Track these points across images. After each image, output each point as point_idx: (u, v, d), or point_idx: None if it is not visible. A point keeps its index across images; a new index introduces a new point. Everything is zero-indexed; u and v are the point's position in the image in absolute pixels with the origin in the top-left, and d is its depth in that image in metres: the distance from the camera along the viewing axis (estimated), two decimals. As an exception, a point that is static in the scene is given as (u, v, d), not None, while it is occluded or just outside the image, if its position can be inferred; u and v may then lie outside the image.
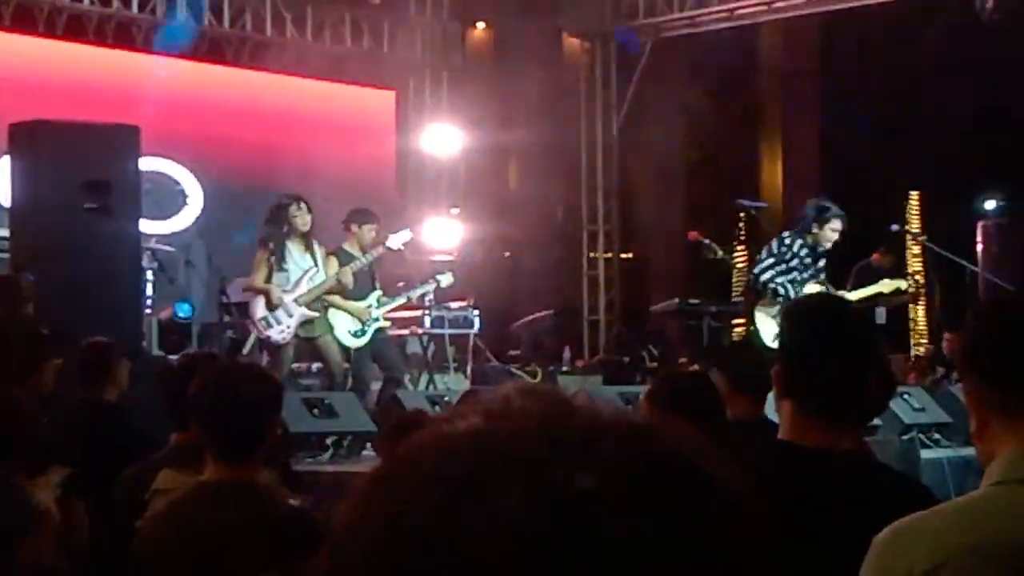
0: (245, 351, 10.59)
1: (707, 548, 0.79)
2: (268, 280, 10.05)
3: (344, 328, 10.35)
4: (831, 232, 9.87)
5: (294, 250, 10.10)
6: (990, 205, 20.50)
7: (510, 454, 0.80)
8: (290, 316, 10.01)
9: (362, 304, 10.37)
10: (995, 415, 2.09)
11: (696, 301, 12.04)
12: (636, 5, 16.54)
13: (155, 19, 14.38)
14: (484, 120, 17.43)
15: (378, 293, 10.52)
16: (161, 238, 12.10)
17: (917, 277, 12.76)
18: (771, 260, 9.83)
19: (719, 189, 18.17)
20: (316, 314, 10.09)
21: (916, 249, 21.86)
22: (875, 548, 2.05)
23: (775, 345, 9.64)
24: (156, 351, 10.71)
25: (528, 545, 0.77)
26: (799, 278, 9.78)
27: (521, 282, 17.96)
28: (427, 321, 12.20)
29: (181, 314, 11.35)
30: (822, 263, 10.01)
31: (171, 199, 13.02)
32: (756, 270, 9.92)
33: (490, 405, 0.85)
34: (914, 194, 22.35)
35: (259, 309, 10.06)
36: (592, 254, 17.31)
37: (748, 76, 19.50)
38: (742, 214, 12.64)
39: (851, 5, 15.19)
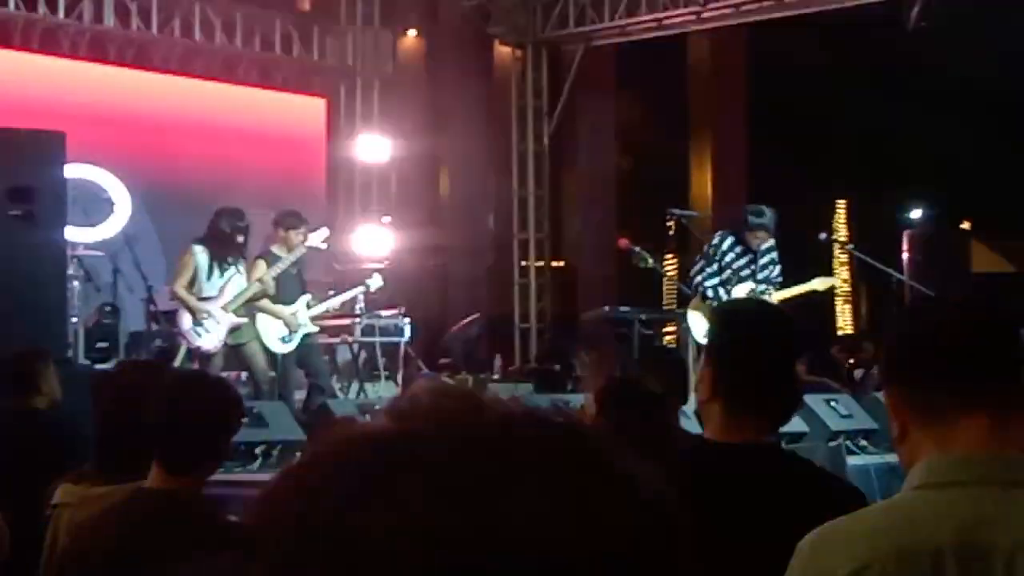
0: (177, 362, 10.47)
1: (619, 547, 0.79)
2: (191, 285, 9.93)
3: (273, 334, 10.27)
4: (754, 240, 9.99)
5: (220, 259, 9.98)
6: (916, 214, 20.78)
7: (417, 453, 0.80)
8: (219, 324, 9.91)
9: (290, 308, 10.29)
10: (915, 420, 2.11)
11: (626, 309, 12.09)
12: (566, 14, 16.60)
13: (81, 24, 14.24)
14: (415, 128, 17.42)
15: (307, 298, 10.43)
16: (88, 246, 11.96)
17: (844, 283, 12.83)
18: (702, 262, 9.97)
19: (649, 198, 18.27)
20: (244, 320, 10.00)
21: (843, 257, 22.16)
22: (800, 551, 2.07)
23: (704, 342, 9.75)
24: (82, 360, 10.59)
25: (434, 543, 0.77)
26: (732, 278, 9.88)
27: (452, 290, 17.96)
28: (358, 329, 12.16)
29: (108, 311, 11.24)
30: (765, 260, 10.08)
31: (98, 206, 12.87)
32: (691, 272, 10.05)
33: (399, 405, 0.85)
34: (841, 203, 22.67)
35: (186, 320, 9.96)
36: (523, 262, 17.33)
37: (678, 84, 19.63)
38: (672, 223, 12.73)
39: (779, 16, 15.33)
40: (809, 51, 18.37)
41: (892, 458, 7.88)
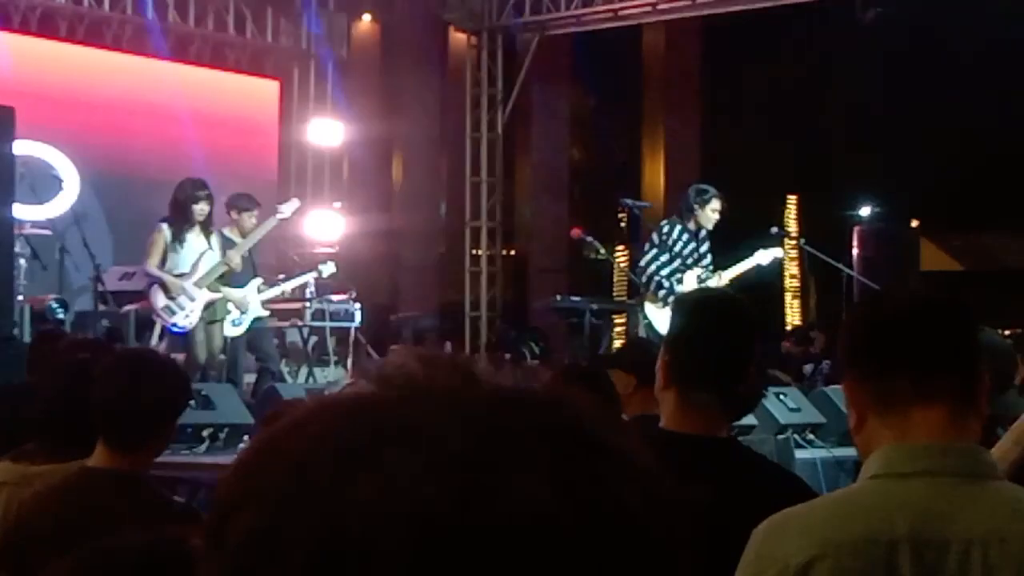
0: (153, 342, 10.37)
1: (612, 521, 0.77)
2: (163, 264, 9.82)
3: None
4: (711, 212, 10.04)
5: (191, 235, 9.88)
6: (865, 211, 20.93)
7: (409, 423, 0.78)
8: (192, 300, 9.79)
9: (241, 291, 10.24)
10: (872, 410, 2.12)
11: (577, 298, 12.10)
12: (522, 2, 16.57)
13: (33, 0, 14.07)
14: (369, 113, 17.34)
15: (258, 281, 10.39)
16: (35, 223, 11.83)
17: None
18: (655, 251, 9.95)
19: (601, 188, 18.32)
20: (219, 295, 9.90)
21: (793, 252, 22.28)
22: (754, 539, 2.07)
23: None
24: (28, 339, 10.46)
25: (423, 517, 0.74)
26: (681, 266, 9.91)
27: (403, 277, 17.91)
28: (308, 314, 12.11)
29: (59, 314, 11.11)
30: (705, 247, 10.14)
31: (46, 184, 12.71)
32: (642, 263, 10.02)
33: (386, 372, 0.82)
34: (792, 198, 22.79)
35: (159, 298, 9.83)
36: (475, 250, 17.31)
37: (632, 76, 19.66)
38: (624, 213, 12.75)
39: (734, 9, 15.38)
40: (763, 45, 18.45)
41: (839, 452, 7.97)
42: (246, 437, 7.89)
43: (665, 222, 10.13)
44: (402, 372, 0.82)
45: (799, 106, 19.39)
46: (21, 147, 10.16)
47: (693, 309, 3.12)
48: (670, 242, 9.93)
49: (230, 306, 10.17)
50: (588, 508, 0.77)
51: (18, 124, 9.40)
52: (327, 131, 16.69)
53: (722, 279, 10.02)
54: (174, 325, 9.85)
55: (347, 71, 17.29)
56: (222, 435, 8.04)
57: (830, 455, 8.12)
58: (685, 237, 9.98)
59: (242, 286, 10.25)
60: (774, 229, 12.44)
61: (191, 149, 14.58)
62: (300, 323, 12.11)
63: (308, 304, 12.09)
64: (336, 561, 0.74)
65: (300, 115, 16.68)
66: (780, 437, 8.35)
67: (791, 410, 8.65)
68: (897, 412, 2.08)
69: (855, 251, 13.93)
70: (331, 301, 12.25)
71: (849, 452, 7.23)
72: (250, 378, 10.50)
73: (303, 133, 16.70)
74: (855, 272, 11.74)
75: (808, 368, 14.43)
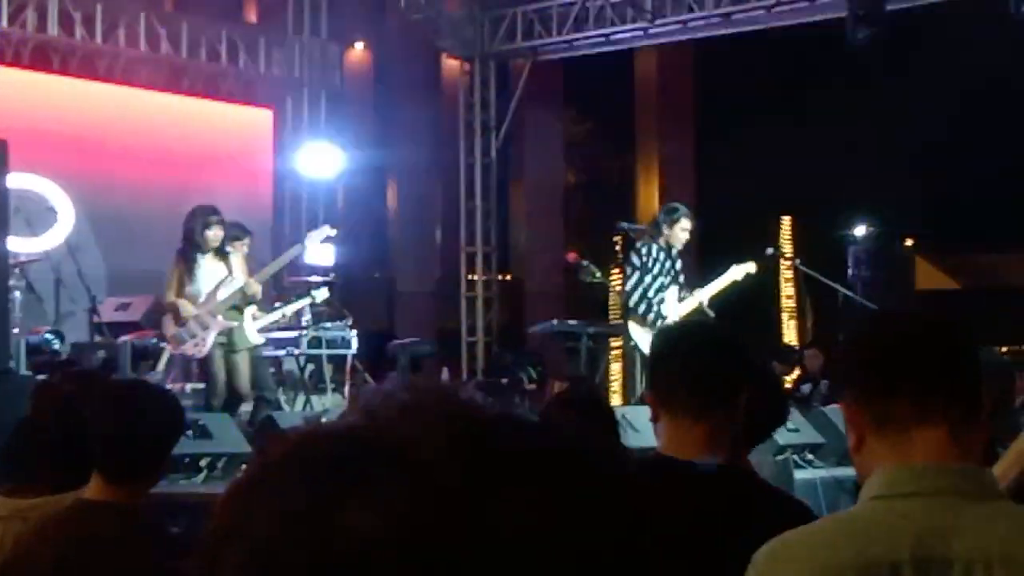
0: (160, 368, 10.34)
1: (593, 545, 0.78)
2: (180, 294, 9.72)
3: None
4: (681, 232, 10.13)
5: (206, 262, 9.78)
6: (860, 230, 20.96)
7: (396, 450, 0.78)
8: (205, 328, 9.68)
9: (235, 321, 10.21)
10: (871, 430, 2.11)
11: (574, 322, 12.09)
12: (514, 28, 16.62)
13: (25, 32, 14.10)
14: (363, 140, 17.37)
15: (253, 309, 10.37)
16: (30, 256, 11.83)
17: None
18: (638, 274, 10.03)
19: (596, 211, 18.34)
20: (236, 323, 9.79)
21: (788, 273, 22.30)
22: (755, 563, 2.06)
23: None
24: (24, 371, 10.44)
25: (418, 544, 0.75)
26: (663, 284, 10.01)
27: (399, 303, 17.90)
28: (304, 341, 12.09)
29: (54, 345, 11.11)
30: (679, 265, 10.25)
31: (41, 216, 12.72)
32: (628, 287, 10.09)
33: (375, 401, 0.83)
34: (786, 218, 22.83)
35: (169, 326, 9.76)
36: (471, 275, 17.32)
37: (625, 99, 19.71)
38: (619, 237, 12.76)
39: (726, 32, 15.43)
40: (756, 67, 18.50)
41: (839, 472, 7.96)
42: (243, 466, 7.87)
43: (641, 244, 10.20)
44: (390, 400, 0.82)
45: (792, 126, 19.43)
46: (15, 180, 10.17)
47: (670, 339, 3.17)
48: (650, 263, 10.02)
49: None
50: (583, 535, 0.77)
51: (12, 157, 9.41)
52: (321, 159, 16.70)
53: (701, 297, 10.11)
54: (182, 353, 9.77)
55: (340, 99, 17.32)
56: (220, 464, 8.01)
57: (829, 475, 8.11)
58: (661, 256, 10.06)
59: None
60: (769, 249, 12.47)
61: (185, 179, 14.62)
62: (296, 351, 12.09)
63: (304, 332, 12.06)
64: None
65: (294, 144, 16.70)
66: (779, 458, 8.32)
67: (789, 430, 8.63)
68: (897, 432, 2.07)
69: (850, 270, 13.93)
70: (327, 328, 12.23)
71: (849, 472, 7.21)
72: (247, 406, 10.47)
73: (297, 162, 16.71)
74: (851, 292, 11.74)
75: (806, 388, 14.42)
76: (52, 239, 12.95)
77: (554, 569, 0.76)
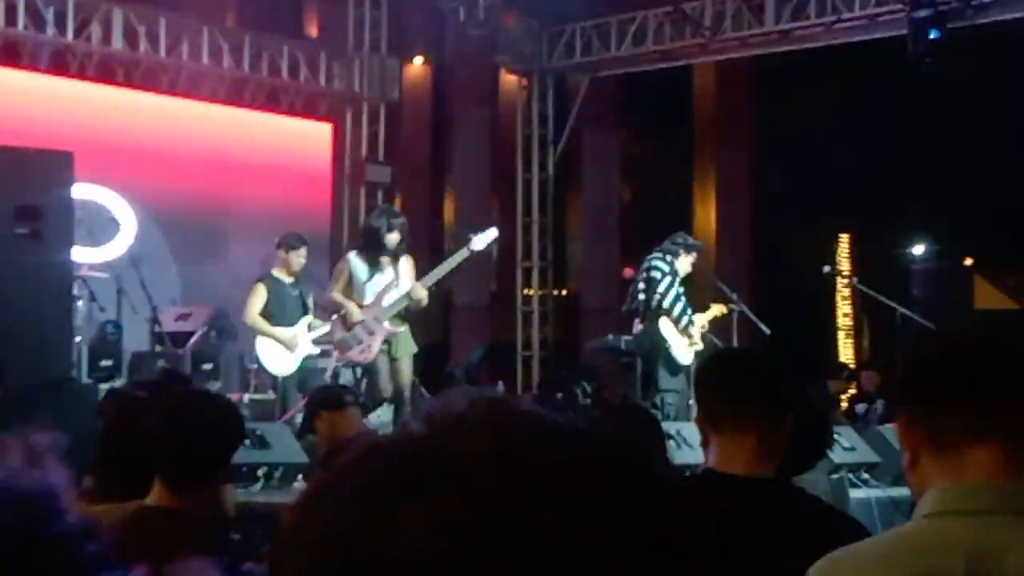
0: (327, 375, 10.38)
1: (642, 556, 0.80)
2: (348, 293, 9.63)
3: (270, 356, 10.24)
4: (688, 264, 10.41)
5: (378, 263, 9.68)
6: (919, 250, 20.79)
7: (449, 460, 0.81)
8: (371, 334, 9.57)
9: (290, 331, 10.24)
10: (926, 448, 2.12)
11: (628, 338, 12.08)
12: (573, 44, 16.66)
13: (90, 46, 14.30)
14: (421, 155, 17.46)
15: (308, 319, 10.40)
16: (93, 266, 11.98)
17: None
18: (669, 278, 10.16)
19: (652, 227, 18.28)
20: (401, 330, 9.67)
21: (846, 291, 22.15)
22: (810, 577, 2.07)
23: (686, 361, 10.00)
24: (86, 379, 10.59)
25: (461, 548, 0.77)
26: (686, 292, 10.19)
27: (455, 317, 17.96)
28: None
29: (111, 330, 11.22)
30: (684, 287, 10.45)
31: (104, 227, 12.90)
32: (660, 289, 10.16)
33: (432, 412, 0.86)
34: (844, 236, 22.69)
35: (337, 331, 9.65)
36: (526, 290, 17.34)
37: (682, 116, 19.68)
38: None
39: (785, 49, 15.39)
40: (814, 84, 18.42)
41: (894, 492, 7.91)
42: (300, 476, 7.93)
43: (664, 255, 10.32)
44: (445, 411, 0.85)
45: (851, 143, 19.33)
46: (79, 191, 10.32)
47: (715, 361, 3.31)
48: (672, 272, 10.14)
49: (272, 347, 10.16)
50: (634, 548, 0.79)
51: (76, 168, 9.56)
52: (380, 173, 16.80)
53: (704, 319, 10.32)
54: (348, 360, 9.66)
55: (399, 113, 17.43)
56: (276, 474, 8.08)
57: (885, 495, 8.06)
58: (675, 272, 10.24)
59: (292, 325, 10.28)
60: (826, 268, 12.44)
61: (246, 192, 14.78)
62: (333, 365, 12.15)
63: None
64: None
65: (353, 157, 16.81)
66: (834, 477, 8.30)
67: (845, 449, 8.59)
68: (951, 451, 2.08)
69: (910, 290, 13.83)
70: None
71: (904, 492, 7.17)
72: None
73: (356, 175, 16.82)
74: (908, 311, 11.65)
75: (861, 407, 14.33)
76: (114, 250, 13.12)
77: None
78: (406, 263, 9.77)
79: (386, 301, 9.58)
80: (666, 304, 10.13)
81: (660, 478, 0.85)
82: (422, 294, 9.65)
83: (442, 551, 0.77)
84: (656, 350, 10.22)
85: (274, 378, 10.21)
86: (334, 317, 9.65)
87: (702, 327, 10.36)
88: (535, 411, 0.86)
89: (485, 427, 0.83)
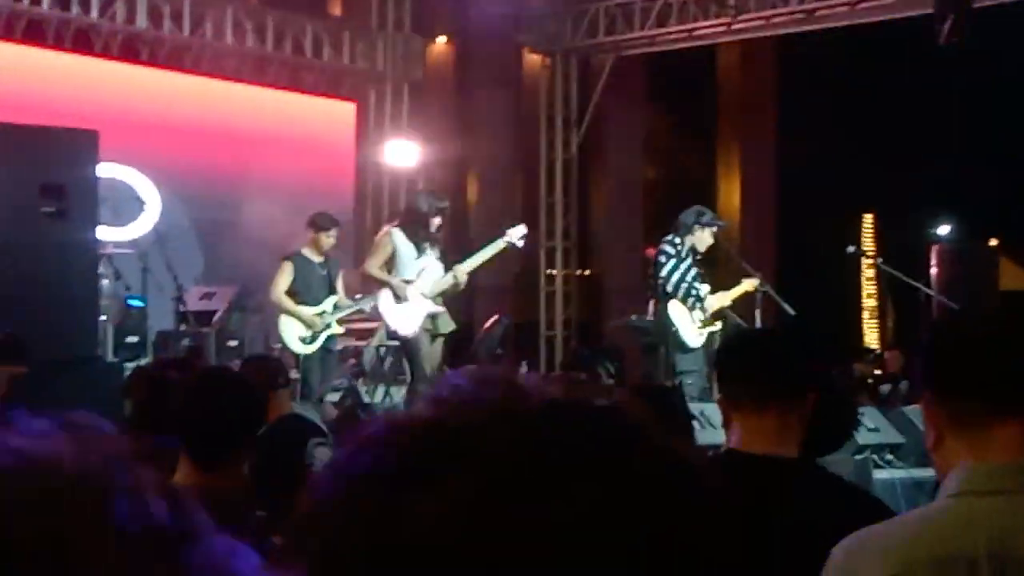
0: (374, 344, 10.31)
1: (662, 531, 0.79)
2: (388, 268, 9.67)
3: (294, 334, 10.29)
4: (709, 236, 10.25)
5: (420, 243, 9.72)
6: (943, 230, 20.70)
7: (460, 440, 0.80)
8: (416, 309, 9.64)
9: (315, 310, 10.28)
10: (950, 428, 2.12)
11: (651, 318, 12.06)
12: (596, 23, 16.62)
13: (114, 25, 14.33)
14: (444, 134, 17.45)
15: (335, 298, 10.42)
16: (118, 244, 12.03)
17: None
18: (674, 261, 10.11)
19: (676, 207, 18.22)
20: (442, 309, 9.75)
21: (870, 272, 22.09)
22: (835, 557, 2.08)
23: (695, 344, 9.96)
24: (111, 357, 10.65)
25: (473, 530, 0.77)
26: (697, 274, 10.08)
27: (478, 297, 17.96)
28: (384, 333, 12.17)
29: (132, 304, 11.25)
30: (698, 269, 10.34)
31: (128, 206, 12.95)
32: (663, 273, 10.12)
33: (441, 393, 0.85)
34: (868, 216, 22.61)
35: (386, 301, 9.70)
36: (550, 270, 17.35)
37: (706, 96, 19.62)
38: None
39: (809, 29, 15.32)
40: (839, 63, 18.34)
41: (918, 473, 7.89)
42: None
43: (673, 236, 10.25)
44: (455, 392, 0.85)
45: (875, 123, 19.25)
46: (104, 170, 10.35)
47: (737, 340, 3.38)
48: (683, 253, 10.08)
49: (295, 325, 10.22)
50: (650, 525, 0.79)
51: (101, 147, 9.59)
52: (403, 152, 16.81)
53: (725, 299, 10.26)
54: (396, 332, 9.72)
55: (422, 92, 17.42)
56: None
57: (908, 476, 8.05)
58: (691, 253, 10.10)
59: (318, 304, 10.31)
60: (850, 248, 12.39)
61: (269, 170, 14.80)
62: (376, 342, 12.19)
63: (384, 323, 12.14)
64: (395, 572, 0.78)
65: (376, 136, 16.82)
66: (858, 457, 8.28)
67: (869, 430, 8.58)
68: (975, 431, 2.08)
69: (933, 270, 13.77)
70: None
71: (928, 473, 7.16)
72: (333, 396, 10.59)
73: (379, 154, 16.83)
74: (933, 291, 11.61)
75: (885, 388, 14.30)
76: (139, 228, 13.17)
77: (613, 559, 0.77)
78: (439, 248, 9.85)
79: (431, 280, 9.63)
80: (670, 288, 10.11)
81: (683, 456, 0.84)
82: (464, 278, 9.74)
83: (458, 537, 0.77)
84: (664, 334, 10.22)
85: (296, 356, 10.24)
86: (384, 289, 9.67)
87: (726, 305, 10.30)
88: (550, 390, 0.85)
89: (498, 407, 0.83)
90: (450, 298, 9.96)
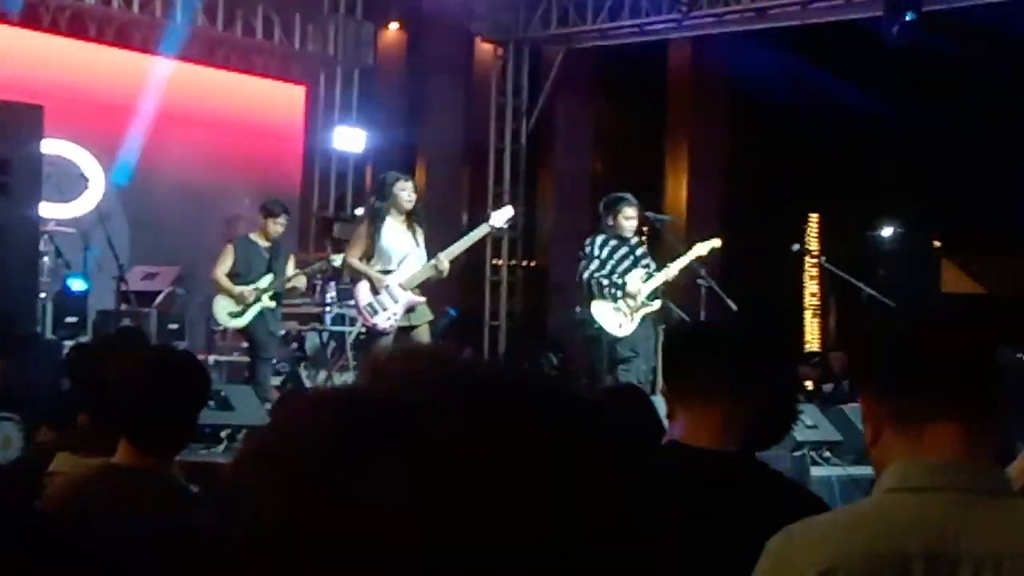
0: (350, 341, 10.15)
1: (584, 498, 0.79)
2: (367, 259, 9.36)
3: (224, 310, 10.32)
4: (625, 220, 10.24)
5: (395, 229, 9.42)
6: (887, 230, 20.88)
7: (392, 416, 0.79)
8: (396, 302, 9.33)
9: (246, 288, 10.29)
10: (887, 424, 2.13)
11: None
12: (549, 15, 16.62)
13: (62, 0, 14.16)
14: (393, 120, 17.39)
15: (270, 278, 10.43)
16: (60, 222, 11.91)
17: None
18: (584, 262, 10.23)
19: (624, 201, 18.22)
20: (422, 300, 9.46)
21: (814, 271, 22.24)
22: (769, 550, 2.09)
23: (621, 333, 9.99)
24: (50, 335, 10.54)
25: (414, 507, 0.76)
26: (619, 269, 10.10)
27: (423, 284, 17.92)
28: (327, 318, 12.14)
29: (74, 289, 11.14)
30: (641, 251, 10.38)
31: (72, 183, 12.81)
32: (580, 277, 10.22)
33: (378, 365, 0.85)
34: (813, 216, 22.77)
35: (363, 295, 9.36)
36: (496, 260, 17.34)
37: (657, 90, 19.67)
38: (646, 227, 12.75)
39: (760, 27, 15.40)
40: (789, 63, 18.44)
41: (855, 470, 7.96)
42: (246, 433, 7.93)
43: (589, 238, 10.33)
44: (393, 364, 0.84)
45: (823, 123, 19.38)
46: (48, 146, 10.24)
47: (683, 334, 3.42)
48: (595, 252, 10.15)
49: (224, 302, 10.21)
50: (595, 507, 0.79)
51: (46, 123, 9.48)
52: (352, 138, 16.74)
53: (667, 274, 10.21)
54: (375, 326, 9.37)
55: (373, 78, 17.35)
56: (240, 436, 8.08)
57: (846, 473, 8.11)
58: (612, 244, 10.21)
59: (253, 281, 10.32)
60: (795, 246, 12.45)
61: (217, 151, 14.68)
62: (319, 327, 12.14)
63: (328, 309, 12.11)
64: (320, 551, 0.77)
65: (325, 121, 16.74)
66: (796, 454, 8.34)
67: (808, 427, 8.64)
68: (913, 428, 2.09)
69: (878, 270, 13.90)
70: (351, 306, 12.29)
71: (865, 471, 7.21)
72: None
73: (328, 139, 16.76)
74: (876, 291, 11.71)
75: (828, 387, 14.42)
76: (83, 206, 13.03)
77: (553, 533, 0.77)
78: (422, 235, 9.58)
79: (410, 269, 9.39)
80: (585, 288, 10.18)
81: (630, 444, 0.84)
82: (446, 266, 9.47)
83: (394, 511, 0.76)
84: (585, 335, 10.30)
85: (248, 336, 10.29)
86: (361, 281, 9.40)
87: (672, 276, 10.27)
88: (485, 364, 0.86)
89: (436, 381, 0.82)
90: (433, 285, 9.77)
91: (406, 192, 9.41)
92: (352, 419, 0.80)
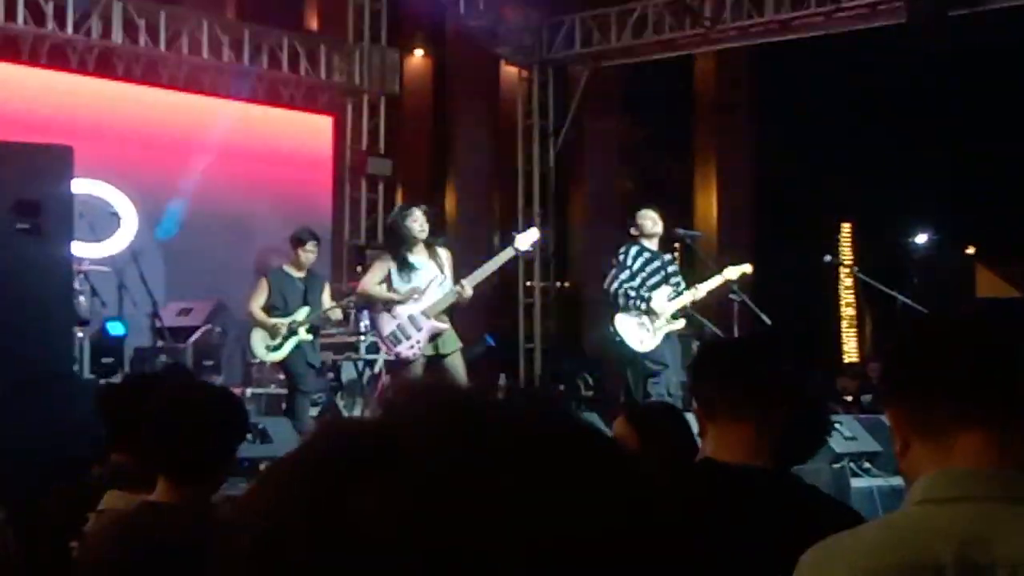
0: (376, 370, 10.14)
1: (604, 539, 0.80)
2: (387, 288, 9.32)
3: (261, 343, 10.35)
4: (645, 221, 10.33)
5: (417, 258, 9.41)
6: (921, 239, 20.78)
7: (394, 439, 0.82)
8: (419, 330, 9.28)
9: (282, 320, 10.33)
10: (916, 436, 2.12)
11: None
12: (573, 35, 16.65)
13: (90, 40, 14.30)
14: (422, 146, 17.45)
15: (306, 310, 10.46)
16: (94, 261, 11.99)
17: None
18: (614, 271, 10.23)
19: (654, 219, 18.21)
20: (446, 326, 9.40)
21: (848, 281, 22.15)
22: (801, 565, 2.08)
23: (642, 349, 9.95)
24: (87, 375, 10.60)
25: (405, 529, 0.78)
26: (648, 283, 10.08)
27: (457, 309, 17.95)
28: (362, 347, 12.16)
29: (113, 332, 11.20)
30: (672, 268, 10.39)
31: (105, 222, 12.89)
32: (605, 285, 10.20)
33: (390, 397, 0.88)
34: (846, 226, 22.68)
35: (387, 324, 9.31)
36: (528, 283, 17.34)
37: (684, 106, 19.67)
38: (677, 243, 12.75)
39: (785, 39, 15.38)
40: (815, 73, 18.41)
41: (896, 481, 7.90)
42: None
43: (623, 246, 10.31)
44: (403, 394, 0.87)
45: (852, 132, 19.32)
46: (79, 186, 10.31)
47: (712, 349, 3.36)
48: (628, 262, 10.16)
49: (260, 335, 10.23)
50: (581, 526, 0.79)
51: (76, 163, 9.54)
52: (380, 165, 16.80)
53: (694, 295, 10.14)
54: (399, 355, 9.34)
55: (400, 105, 17.42)
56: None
57: (887, 484, 8.06)
58: (646, 256, 10.19)
59: (289, 314, 10.36)
60: (827, 258, 12.40)
61: (247, 185, 14.78)
62: (355, 356, 12.17)
63: (363, 337, 12.14)
64: (314, 555, 0.80)
65: (354, 150, 16.81)
66: (835, 466, 8.30)
67: (847, 439, 8.59)
68: (940, 438, 2.08)
69: (912, 279, 13.82)
70: (383, 335, 12.31)
71: (905, 481, 7.16)
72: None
73: (357, 168, 16.82)
74: (910, 300, 11.65)
75: (867, 398, 14.34)
76: (116, 244, 13.12)
77: (547, 554, 0.78)
78: (446, 257, 9.53)
79: (432, 297, 9.33)
80: (610, 300, 10.16)
81: (624, 458, 0.84)
82: (469, 292, 9.41)
83: (385, 533, 0.78)
84: (613, 351, 10.28)
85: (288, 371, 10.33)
86: (382, 312, 9.35)
87: (700, 297, 10.25)
88: (485, 392, 0.87)
89: (433, 407, 0.84)
90: (466, 310, 9.74)
91: (417, 223, 9.37)
92: (350, 445, 0.83)
